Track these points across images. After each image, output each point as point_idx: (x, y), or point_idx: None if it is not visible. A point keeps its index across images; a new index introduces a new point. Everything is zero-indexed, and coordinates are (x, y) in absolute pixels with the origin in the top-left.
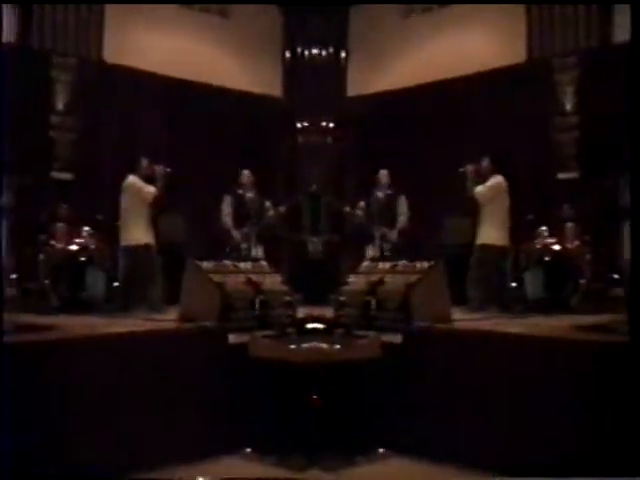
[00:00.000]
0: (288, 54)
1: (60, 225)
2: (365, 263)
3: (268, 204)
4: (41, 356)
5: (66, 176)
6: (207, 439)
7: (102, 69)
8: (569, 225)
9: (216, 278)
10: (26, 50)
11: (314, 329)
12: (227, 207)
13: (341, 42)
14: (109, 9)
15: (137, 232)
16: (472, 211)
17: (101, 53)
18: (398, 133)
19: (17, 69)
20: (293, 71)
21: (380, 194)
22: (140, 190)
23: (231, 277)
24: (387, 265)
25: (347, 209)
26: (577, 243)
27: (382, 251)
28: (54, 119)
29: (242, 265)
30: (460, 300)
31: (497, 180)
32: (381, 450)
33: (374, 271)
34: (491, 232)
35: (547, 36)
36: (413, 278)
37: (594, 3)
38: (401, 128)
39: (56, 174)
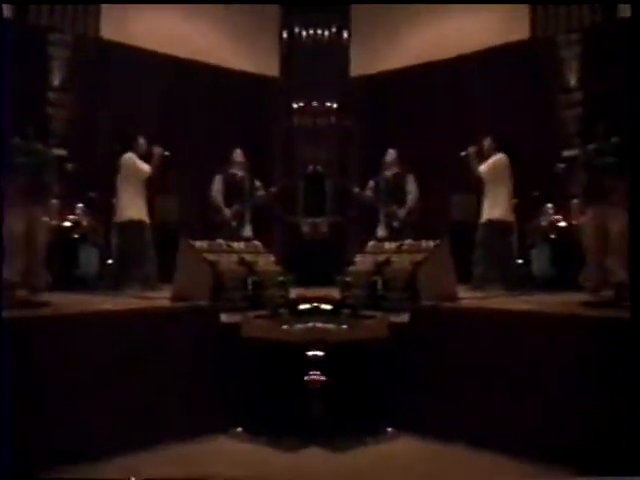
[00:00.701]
0: (285, 34)
1: (54, 202)
2: (371, 243)
3: (259, 183)
4: (34, 332)
5: (61, 152)
6: (198, 418)
7: (99, 46)
8: (575, 202)
9: (209, 257)
10: (23, 26)
11: (307, 309)
12: (217, 185)
13: (344, 22)
14: None
15: (131, 208)
16: (478, 189)
17: (98, 30)
18: (402, 112)
19: (14, 45)
20: (290, 51)
21: (388, 173)
22: (135, 167)
23: (224, 257)
24: (393, 245)
25: (356, 190)
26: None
27: (392, 230)
28: (50, 95)
29: (236, 245)
30: (466, 278)
31: (498, 157)
32: (389, 430)
33: (380, 251)
34: (496, 208)
35: (551, 12)
36: (419, 257)
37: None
38: (405, 107)
39: (52, 150)
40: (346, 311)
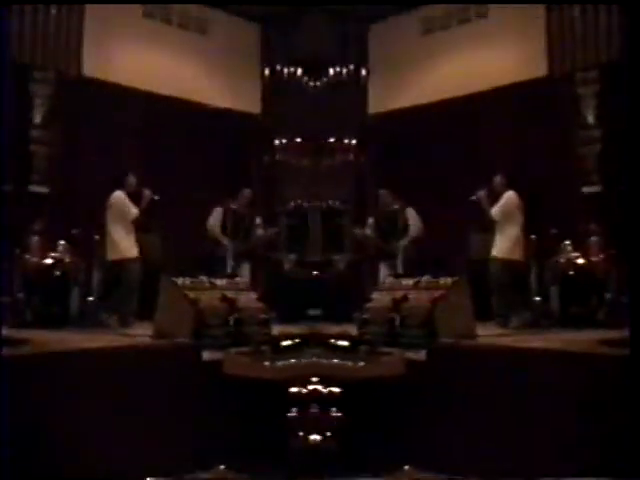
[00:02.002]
0: (267, 71)
1: (35, 239)
2: (388, 279)
3: (259, 221)
4: (14, 370)
5: (43, 189)
6: (180, 456)
7: (81, 83)
8: (593, 239)
9: (191, 294)
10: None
11: (289, 346)
12: (215, 219)
13: (362, 59)
14: (88, 24)
15: (125, 246)
16: (494, 228)
17: (80, 67)
18: (420, 149)
19: None
20: (272, 88)
21: (387, 211)
22: (124, 208)
23: (206, 294)
24: (410, 281)
25: (357, 231)
26: (602, 257)
27: (395, 267)
28: (32, 132)
29: (218, 282)
30: (484, 316)
31: (508, 195)
32: (406, 467)
33: (397, 287)
34: (501, 245)
35: (568, 50)
36: (437, 294)
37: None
38: (423, 144)
39: (33, 187)
40: (363, 348)
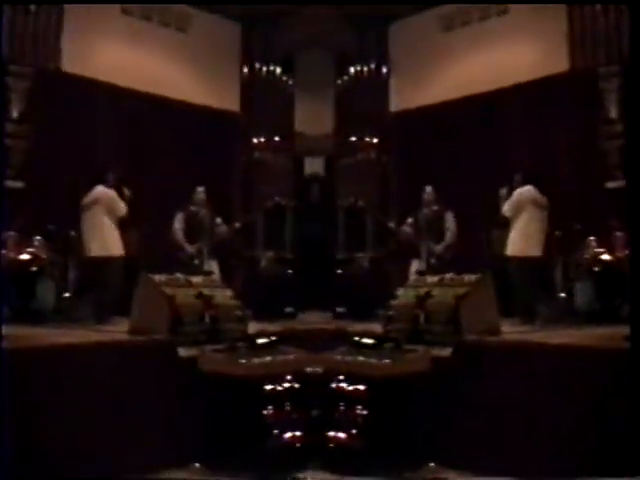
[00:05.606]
0: (246, 70)
1: (11, 234)
2: (413, 277)
3: (219, 220)
4: None
5: (18, 184)
6: (155, 453)
7: (59, 78)
8: (618, 234)
9: (167, 291)
10: None
11: (265, 344)
12: (178, 223)
13: (382, 57)
14: (68, 19)
15: (114, 242)
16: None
17: (59, 62)
18: (441, 147)
19: None
20: (251, 86)
21: (427, 210)
22: (115, 204)
23: (182, 290)
24: (435, 278)
25: (392, 225)
26: (627, 252)
27: (429, 265)
28: (9, 127)
29: (194, 279)
30: (506, 312)
31: (519, 192)
32: (431, 465)
33: (422, 284)
34: (513, 243)
35: (589, 45)
36: (461, 291)
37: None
38: (444, 142)
39: (9, 182)
40: (389, 345)
